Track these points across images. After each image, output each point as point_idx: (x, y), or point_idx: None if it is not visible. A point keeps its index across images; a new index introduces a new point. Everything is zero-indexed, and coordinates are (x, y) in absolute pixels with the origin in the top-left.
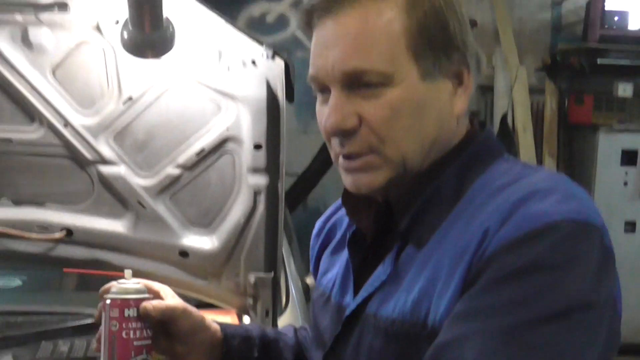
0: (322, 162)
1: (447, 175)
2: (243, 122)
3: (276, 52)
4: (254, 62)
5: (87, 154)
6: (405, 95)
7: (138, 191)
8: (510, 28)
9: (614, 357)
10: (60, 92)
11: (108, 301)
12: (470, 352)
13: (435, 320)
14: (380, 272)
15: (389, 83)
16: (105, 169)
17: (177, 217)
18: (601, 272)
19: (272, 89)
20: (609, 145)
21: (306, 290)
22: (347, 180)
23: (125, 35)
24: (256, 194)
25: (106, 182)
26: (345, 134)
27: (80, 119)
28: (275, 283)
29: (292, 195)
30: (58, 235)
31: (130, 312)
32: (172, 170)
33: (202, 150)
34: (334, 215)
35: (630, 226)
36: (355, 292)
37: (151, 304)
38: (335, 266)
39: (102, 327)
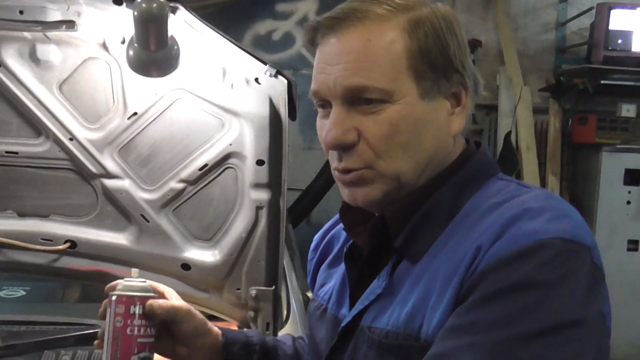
0: (325, 178)
1: (443, 192)
2: (246, 138)
3: (279, 70)
4: (257, 80)
5: (92, 168)
6: (404, 112)
7: (142, 205)
8: (515, 48)
9: None
10: (66, 106)
11: (114, 297)
12: None
13: (428, 334)
14: (376, 286)
15: (388, 100)
16: (109, 183)
17: (179, 231)
18: (591, 290)
19: (275, 106)
20: (612, 165)
21: (307, 304)
22: (345, 193)
23: (131, 54)
24: (258, 209)
25: (110, 196)
26: (344, 148)
27: (85, 133)
28: (276, 297)
29: (296, 211)
30: (62, 247)
31: (136, 310)
32: (176, 185)
33: (205, 165)
34: (331, 230)
35: (633, 244)
36: (351, 304)
37: (157, 302)
38: (332, 279)
39: (106, 324)
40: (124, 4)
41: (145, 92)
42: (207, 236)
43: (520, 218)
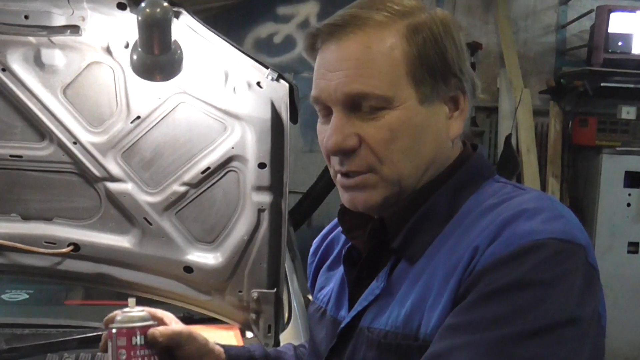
0: (326, 181)
1: (440, 195)
2: (248, 141)
3: (281, 74)
4: (259, 84)
5: (95, 171)
6: (404, 118)
7: (144, 208)
8: (515, 51)
9: None
10: (70, 110)
11: (114, 330)
12: None
13: (427, 333)
14: (374, 287)
15: (388, 106)
16: (112, 186)
17: (182, 234)
18: (586, 289)
19: (276, 110)
20: (613, 167)
21: (308, 306)
22: (345, 198)
23: (135, 58)
24: (260, 211)
25: (113, 199)
26: (345, 153)
27: (89, 137)
28: (278, 299)
29: (297, 213)
30: (65, 250)
31: (138, 340)
32: (178, 188)
33: (207, 168)
34: (330, 234)
35: (633, 247)
36: (350, 306)
37: (158, 330)
38: (331, 282)
39: (108, 357)
40: (128, 9)
41: (148, 95)
42: (210, 239)
43: (517, 219)
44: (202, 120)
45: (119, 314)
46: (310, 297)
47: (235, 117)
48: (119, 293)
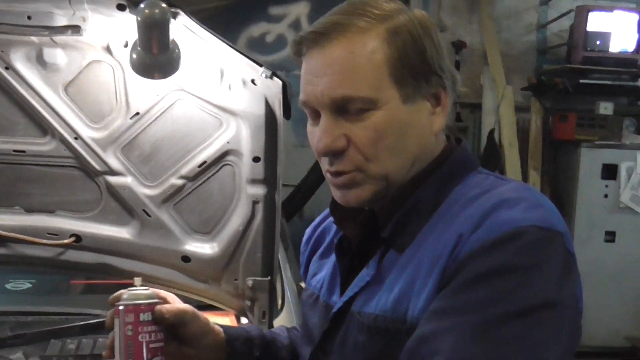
0: (317, 174)
1: (426, 187)
2: (243, 136)
3: (274, 72)
4: (253, 82)
5: (96, 165)
6: (388, 117)
7: (143, 200)
8: (498, 49)
9: (575, 350)
10: (71, 107)
11: (121, 307)
12: (444, 345)
13: (414, 317)
14: (365, 274)
15: (373, 107)
16: (112, 180)
17: (179, 225)
18: (564, 274)
19: (270, 106)
20: (591, 160)
21: (301, 293)
22: (337, 195)
23: (134, 57)
24: (254, 203)
25: (113, 192)
26: (335, 154)
27: (90, 133)
28: (272, 287)
29: (289, 206)
30: (67, 241)
31: (145, 316)
32: (176, 181)
33: (204, 162)
34: (322, 224)
35: (610, 236)
36: (342, 292)
37: (165, 308)
38: (323, 269)
39: (115, 334)
40: (127, 10)
41: (147, 93)
42: (206, 230)
43: (499, 208)
44: (198, 116)
45: (125, 293)
46: (302, 284)
47: (231, 113)
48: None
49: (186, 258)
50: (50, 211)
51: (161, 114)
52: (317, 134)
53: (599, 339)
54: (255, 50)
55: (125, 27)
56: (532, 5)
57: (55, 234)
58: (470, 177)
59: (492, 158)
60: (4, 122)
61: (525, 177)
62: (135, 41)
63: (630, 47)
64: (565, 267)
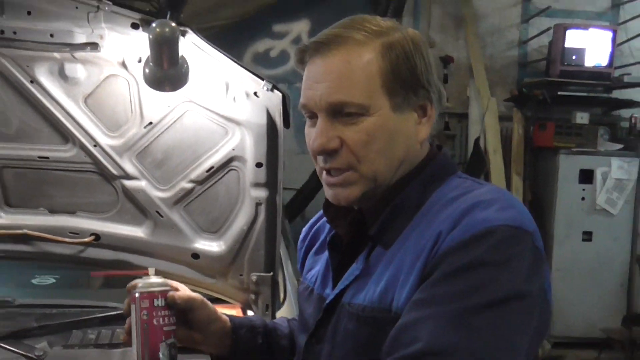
0: (317, 179)
1: (410, 189)
2: (246, 144)
3: (275, 85)
4: (256, 94)
5: (113, 170)
6: (379, 123)
7: (156, 202)
8: (483, 64)
9: (544, 338)
10: (90, 117)
11: (137, 294)
12: (424, 332)
13: (398, 307)
14: (354, 269)
15: (366, 113)
16: (128, 183)
17: (189, 225)
18: (533, 268)
19: (271, 116)
20: (569, 166)
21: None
22: (329, 194)
23: (147, 71)
24: (257, 205)
25: (129, 195)
26: (329, 153)
27: (107, 140)
28: (274, 281)
29: (291, 208)
30: (87, 239)
31: (159, 302)
32: (186, 184)
33: (211, 168)
34: (317, 223)
35: (587, 235)
36: (334, 285)
37: (177, 294)
38: (317, 264)
39: (132, 318)
40: (141, 29)
41: (159, 104)
42: (214, 229)
43: (474, 209)
44: (206, 126)
45: (140, 282)
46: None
47: (235, 122)
48: None
49: (195, 255)
50: (71, 212)
51: (172, 124)
52: (314, 134)
53: (577, 330)
54: (260, 64)
55: (138, 44)
56: (513, 24)
57: (76, 233)
58: (450, 181)
59: (478, 163)
60: (30, 130)
61: (508, 181)
62: (148, 57)
63: (604, 62)
64: (534, 262)
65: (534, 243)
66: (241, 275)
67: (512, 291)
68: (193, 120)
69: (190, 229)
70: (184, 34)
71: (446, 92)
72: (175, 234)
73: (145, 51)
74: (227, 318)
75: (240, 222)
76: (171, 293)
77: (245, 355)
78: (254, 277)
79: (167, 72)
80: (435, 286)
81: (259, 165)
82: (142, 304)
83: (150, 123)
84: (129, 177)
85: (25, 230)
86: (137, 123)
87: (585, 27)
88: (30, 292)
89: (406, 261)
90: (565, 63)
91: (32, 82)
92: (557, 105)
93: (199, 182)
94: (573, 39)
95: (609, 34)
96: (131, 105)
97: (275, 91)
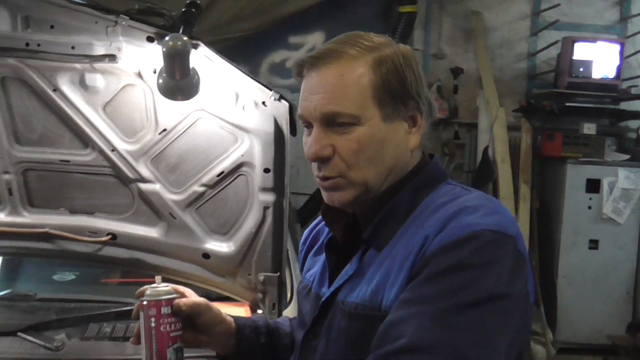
0: None
1: (402, 195)
2: (255, 150)
3: (282, 95)
4: (264, 103)
5: (130, 174)
6: (369, 133)
7: (170, 204)
8: (492, 75)
9: (525, 338)
10: (109, 124)
11: (145, 302)
12: (409, 329)
13: (387, 305)
14: (349, 269)
15: (357, 123)
16: (143, 186)
17: (200, 226)
18: (514, 271)
19: (278, 124)
20: (576, 175)
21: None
22: (325, 196)
23: (161, 82)
24: (265, 208)
25: (144, 197)
26: (322, 160)
27: (124, 146)
28: (281, 281)
29: (305, 211)
30: (105, 238)
31: (165, 310)
32: (198, 188)
33: (222, 172)
34: (317, 227)
35: (593, 244)
36: (330, 284)
37: (182, 301)
38: (316, 265)
39: (140, 324)
40: (155, 42)
41: (172, 112)
42: (224, 231)
43: (460, 214)
44: (217, 133)
45: (148, 289)
46: None
47: (245, 130)
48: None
49: (206, 255)
50: (90, 213)
51: (185, 130)
52: (309, 142)
53: (583, 337)
54: (276, 74)
55: (154, 56)
56: (522, 36)
57: (94, 232)
58: (441, 187)
59: (487, 172)
60: (52, 136)
61: (516, 190)
62: (162, 68)
63: (611, 74)
64: (516, 265)
65: (517, 247)
66: (249, 275)
67: (493, 292)
68: (205, 128)
69: (201, 230)
70: (196, 47)
71: (456, 102)
72: (187, 235)
73: (159, 63)
74: (232, 319)
75: (248, 224)
76: (177, 301)
77: (249, 354)
78: (261, 277)
79: (179, 83)
80: (421, 286)
81: (266, 170)
82: (150, 312)
83: (165, 130)
84: (144, 180)
85: (47, 229)
86: (152, 130)
87: (593, 40)
88: (51, 288)
89: (396, 262)
90: (573, 75)
91: (54, 90)
92: (564, 116)
93: (210, 186)
94: (581, 51)
95: (616, 47)
96: (147, 113)
97: (283, 101)
